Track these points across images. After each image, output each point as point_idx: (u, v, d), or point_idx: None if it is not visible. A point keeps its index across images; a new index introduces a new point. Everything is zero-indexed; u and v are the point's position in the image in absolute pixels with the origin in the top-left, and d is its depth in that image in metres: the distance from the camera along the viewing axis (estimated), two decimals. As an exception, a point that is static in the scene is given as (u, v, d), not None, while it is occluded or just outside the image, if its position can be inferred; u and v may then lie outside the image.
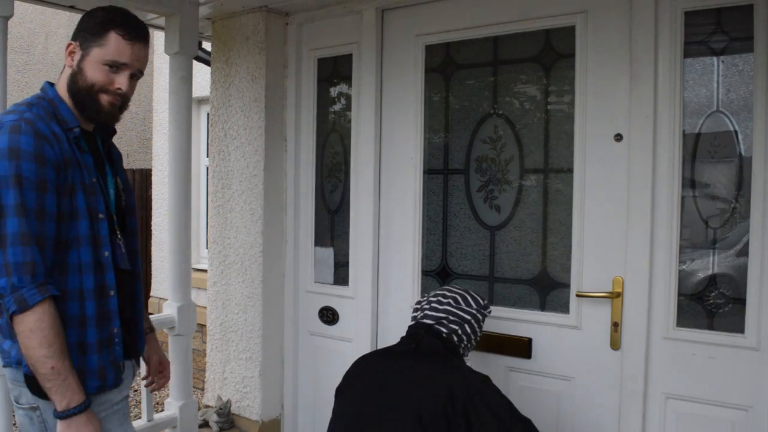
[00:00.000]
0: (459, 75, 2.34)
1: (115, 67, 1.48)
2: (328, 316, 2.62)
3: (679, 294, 1.88)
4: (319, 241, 2.69)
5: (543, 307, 2.13)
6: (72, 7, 2.58)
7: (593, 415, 2.03)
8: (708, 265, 1.87)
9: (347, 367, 2.55)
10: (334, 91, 2.70)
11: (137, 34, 1.51)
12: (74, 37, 1.52)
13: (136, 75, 1.53)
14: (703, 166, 1.87)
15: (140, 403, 2.84)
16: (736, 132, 1.82)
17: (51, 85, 1.54)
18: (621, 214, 1.95)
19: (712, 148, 1.85)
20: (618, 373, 1.95)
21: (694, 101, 1.87)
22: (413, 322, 1.80)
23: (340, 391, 1.75)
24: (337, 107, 2.70)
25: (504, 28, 2.19)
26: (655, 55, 1.88)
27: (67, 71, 1.52)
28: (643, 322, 1.91)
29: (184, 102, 2.52)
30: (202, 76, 3.47)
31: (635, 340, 1.92)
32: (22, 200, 1.36)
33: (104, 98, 1.49)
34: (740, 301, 1.80)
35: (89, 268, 1.47)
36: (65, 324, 1.44)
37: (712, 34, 1.84)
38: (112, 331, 1.54)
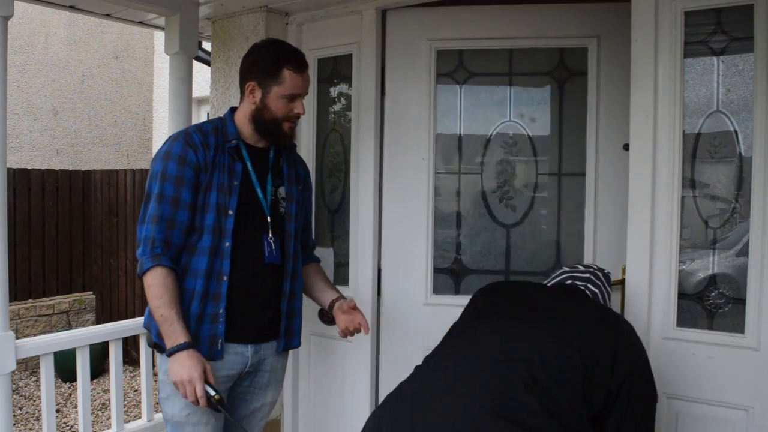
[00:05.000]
0: (472, 81, 2.41)
1: (291, 97, 1.80)
2: (329, 316, 2.62)
3: (679, 294, 1.88)
4: (318, 241, 2.69)
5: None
6: (72, 7, 2.58)
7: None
8: (708, 265, 1.87)
9: (347, 368, 2.55)
10: (334, 91, 2.70)
11: (303, 65, 1.83)
12: (251, 75, 1.82)
13: (303, 97, 1.86)
14: (703, 166, 1.87)
15: (140, 403, 2.83)
16: (736, 132, 1.82)
17: (231, 109, 1.90)
18: (623, 215, 1.96)
19: (712, 148, 1.85)
20: (618, 373, 1.95)
21: (694, 101, 1.87)
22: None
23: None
24: (337, 107, 2.70)
25: (520, 43, 2.31)
26: (655, 55, 1.88)
27: (249, 105, 1.83)
28: (644, 322, 1.91)
29: (184, 102, 2.51)
30: (202, 76, 3.47)
31: (635, 340, 1.92)
32: (162, 190, 1.72)
33: (286, 126, 1.83)
34: (740, 301, 1.80)
35: (205, 251, 1.75)
36: (184, 296, 1.73)
37: (712, 34, 1.84)
38: (218, 310, 1.77)
